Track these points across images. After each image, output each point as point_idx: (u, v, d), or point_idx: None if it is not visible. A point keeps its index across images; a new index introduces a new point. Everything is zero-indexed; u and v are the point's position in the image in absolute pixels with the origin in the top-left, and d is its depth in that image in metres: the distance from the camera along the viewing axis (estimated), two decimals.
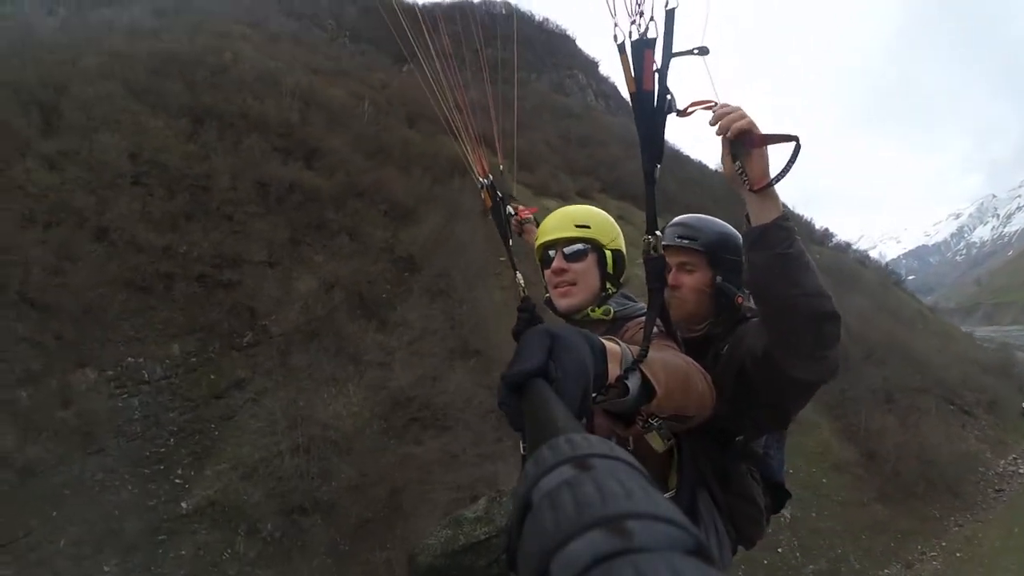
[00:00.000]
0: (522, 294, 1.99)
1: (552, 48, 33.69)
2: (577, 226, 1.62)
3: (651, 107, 1.24)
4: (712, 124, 1.23)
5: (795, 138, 1.18)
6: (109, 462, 7.06)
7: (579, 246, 1.62)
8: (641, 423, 1.01)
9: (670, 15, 1.21)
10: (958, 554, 9.72)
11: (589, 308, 1.62)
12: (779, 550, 8.92)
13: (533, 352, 0.69)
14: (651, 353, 0.98)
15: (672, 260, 1.71)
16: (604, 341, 0.86)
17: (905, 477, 11.34)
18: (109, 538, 6.41)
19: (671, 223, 1.83)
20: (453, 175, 12.34)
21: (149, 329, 8.15)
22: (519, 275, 2.07)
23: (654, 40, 1.21)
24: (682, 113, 1.26)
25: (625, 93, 1.28)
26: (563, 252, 1.63)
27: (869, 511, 10.55)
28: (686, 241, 1.74)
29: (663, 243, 1.72)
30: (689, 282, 1.73)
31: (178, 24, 16.16)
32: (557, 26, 36.01)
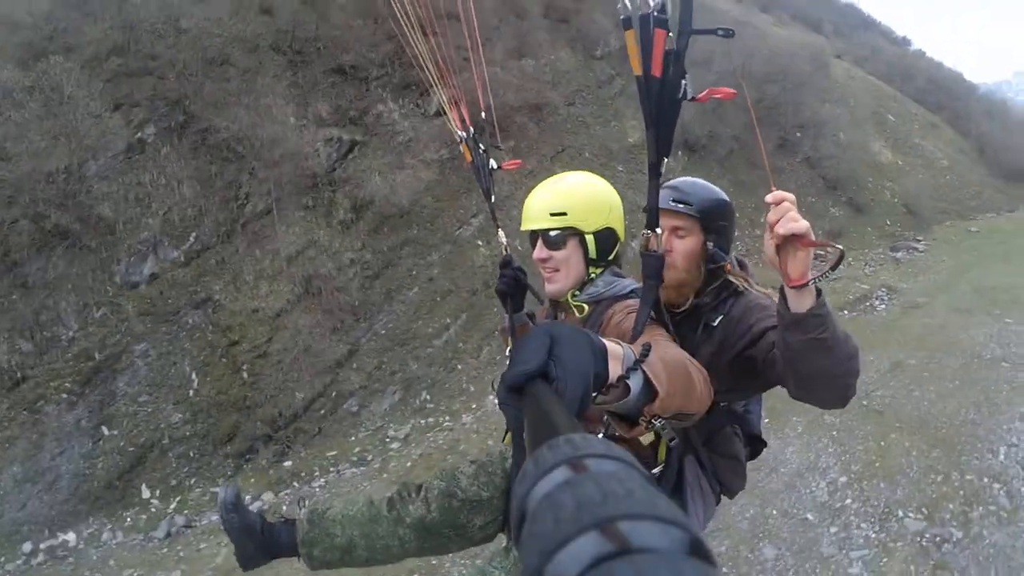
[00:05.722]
0: (504, 252, 1.98)
1: None
2: (553, 214, 1.61)
3: (661, 93, 1.13)
4: (771, 222, 1.17)
5: (841, 250, 1.18)
6: None
7: (557, 234, 1.61)
8: (645, 424, 0.97)
9: None
10: None
11: (570, 292, 1.65)
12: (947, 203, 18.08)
13: (533, 352, 0.68)
14: (652, 353, 0.95)
15: (665, 224, 1.67)
16: (605, 341, 0.85)
17: (1006, 166, 21.64)
18: None
19: (664, 185, 1.73)
20: None
21: None
22: (501, 233, 2.04)
23: (666, 19, 1.07)
24: (695, 99, 1.17)
25: None
26: (543, 240, 1.63)
27: (986, 183, 21.08)
28: (681, 206, 1.71)
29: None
30: (680, 247, 1.70)
31: None
32: None
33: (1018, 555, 3.45)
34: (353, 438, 8.02)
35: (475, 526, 1.84)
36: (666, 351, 1.06)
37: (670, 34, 1.08)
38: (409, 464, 6.97)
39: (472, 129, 2.08)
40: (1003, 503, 4.01)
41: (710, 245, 1.71)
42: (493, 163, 2.07)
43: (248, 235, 9.21)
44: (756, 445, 1.86)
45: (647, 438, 1.41)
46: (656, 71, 1.10)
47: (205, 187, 9.19)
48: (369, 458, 7.44)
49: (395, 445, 7.61)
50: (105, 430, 7.30)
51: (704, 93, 1.17)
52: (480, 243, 10.62)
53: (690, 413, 1.04)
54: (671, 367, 0.98)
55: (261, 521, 1.91)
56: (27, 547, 6.11)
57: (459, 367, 9.31)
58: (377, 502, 1.93)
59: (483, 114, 2.09)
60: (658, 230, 1.27)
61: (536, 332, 0.73)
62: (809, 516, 4.08)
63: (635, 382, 0.91)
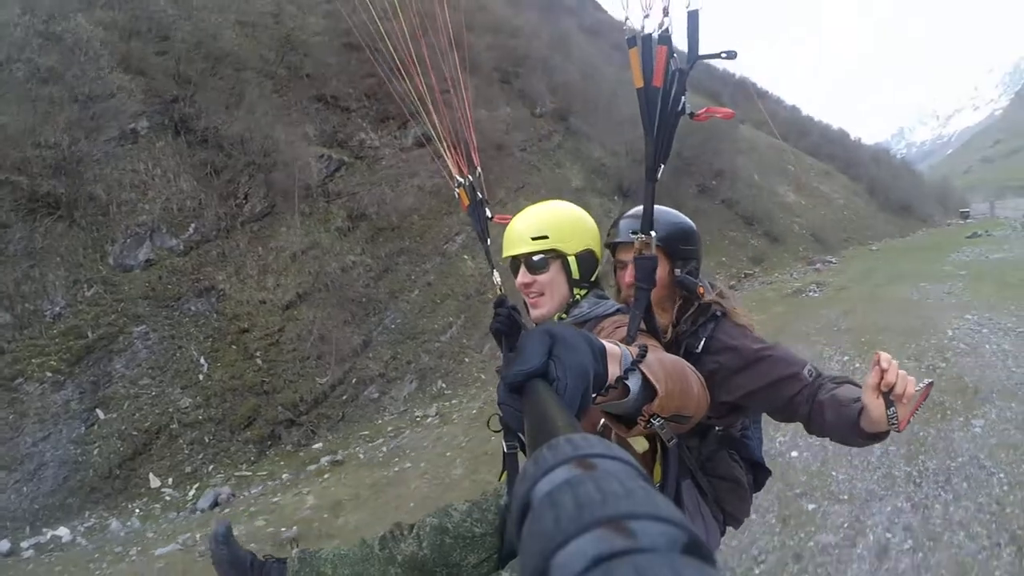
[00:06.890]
0: (499, 292, 1.99)
1: None
2: (534, 238, 1.62)
3: (661, 105, 1.22)
4: (888, 385, 1.23)
5: (930, 383, 1.31)
6: None
7: (540, 257, 1.62)
8: (643, 424, 0.96)
9: (693, 17, 1.20)
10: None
11: (555, 316, 1.66)
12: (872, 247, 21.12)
13: (533, 352, 0.69)
14: (650, 354, 0.95)
15: (627, 256, 1.71)
16: (604, 341, 0.84)
17: (894, 203, 26.69)
18: None
19: (624, 216, 1.79)
20: None
21: None
22: (496, 274, 2.05)
23: (668, 37, 1.19)
24: (695, 117, 1.24)
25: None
26: (525, 265, 1.64)
27: (879, 217, 24.47)
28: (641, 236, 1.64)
29: (616, 240, 1.76)
30: None
31: None
32: None
33: (984, 366, 5.24)
34: (380, 420, 8.01)
35: (468, 564, 1.80)
36: (659, 351, 1.07)
37: (674, 55, 1.19)
38: (475, 411, 7.19)
39: (470, 177, 2.11)
40: (964, 348, 5.75)
41: (677, 271, 1.72)
42: (488, 212, 2.10)
43: (248, 232, 9.27)
44: (759, 474, 1.84)
45: (640, 445, 1.41)
46: (657, 82, 1.20)
47: (203, 183, 9.20)
48: (406, 433, 7.45)
49: (428, 421, 7.72)
50: (100, 413, 6.67)
51: (703, 111, 1.24)
52: (467, 256, 11.41)
53: (688, 415, 1.03)
54: (669, 367, 0.98)
55: (251, 558, 1.88)
56: (4, 546, 5.30)
57: (466, 360, 9.69)
58: (370, 541, 1.90)
59: (478, 169, 2.13)
60: (652, 232, 1.33)
61: (536, 332, 0.73)
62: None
63: (634, 383, 0.91)
